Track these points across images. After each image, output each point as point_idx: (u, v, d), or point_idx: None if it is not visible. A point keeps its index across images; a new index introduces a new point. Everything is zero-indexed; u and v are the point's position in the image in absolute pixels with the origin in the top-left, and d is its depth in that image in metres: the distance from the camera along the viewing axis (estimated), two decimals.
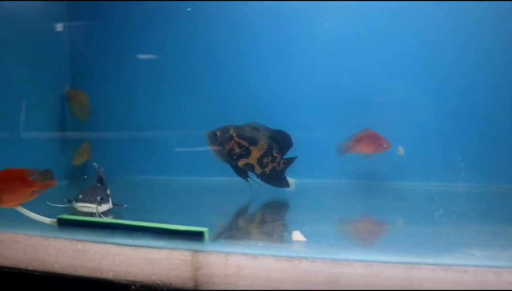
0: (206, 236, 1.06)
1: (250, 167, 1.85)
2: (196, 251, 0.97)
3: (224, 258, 0.95)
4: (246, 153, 1.81)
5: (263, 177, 1.87)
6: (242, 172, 1.87)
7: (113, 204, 1.52)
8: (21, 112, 2.01)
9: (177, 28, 2.33)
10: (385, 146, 2.00)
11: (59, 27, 2.36)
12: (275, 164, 1.85)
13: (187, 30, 2.32)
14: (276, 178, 1.88)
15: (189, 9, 2.27)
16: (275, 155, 1.84)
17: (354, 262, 0.91)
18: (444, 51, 2.07)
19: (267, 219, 1.50)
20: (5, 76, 1.94)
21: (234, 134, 1.79)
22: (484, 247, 1.10)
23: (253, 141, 1.81)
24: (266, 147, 1.82)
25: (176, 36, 2.34)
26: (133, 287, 0.99)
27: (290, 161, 1.89)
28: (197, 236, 1.06)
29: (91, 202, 1.40)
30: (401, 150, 2.05)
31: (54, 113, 2.36)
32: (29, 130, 2.06)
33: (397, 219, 1.58)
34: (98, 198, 1.42)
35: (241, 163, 1.84)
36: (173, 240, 1.07)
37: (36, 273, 1.09)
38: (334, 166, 2.15)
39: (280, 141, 1.85)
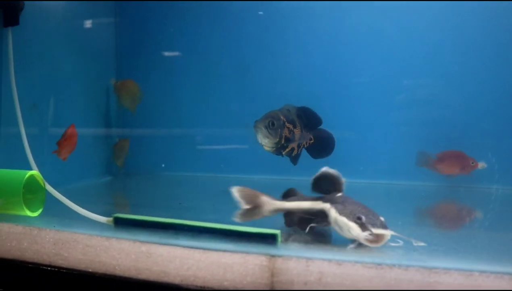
0: (279, 239, 0.98)
1: (292, 151, 1.67)
2: (273, 256, 0.89)
3: (305, 264, 0.87)
4: (292, 137, 1.63)
5: (293, 158, 1.70)
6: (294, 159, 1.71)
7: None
8: (49, 108, 1.96)
9: (224, 24, 2.28)
10: (472, 164, 1.86)
11: (106, 21, 2.33)
12: (304, 142, 1.68)
13: (236, 26, 2.26)
14: (299, 156, 1.70)
15: (261, 12, 2.20)
16: (304, 133, 1.68)
17: (452, 270, 0.82)
18: (480, 52, 1.96)
19: None
20: (52, 71, 1.90)
21: (284, 119, 1.60)
22: None
23: (294, 124, 1.64)
24: (300, 126, 1.65)
25: (225, 31, 2.29)
26: None
27: (318, 133, 1.69)
28: (269, 239, 0.98)
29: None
30: (482, 165, 1.88)
31: (99, 108, 2.33)
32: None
33: (468, 222, 1.47)
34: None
35: (288, 149, 1.65)
36: (242, 242, 1.00)
37: (96, 275, 1.03)
38: (383, 166, 2.06)
39: (305, 117, 1.67)
